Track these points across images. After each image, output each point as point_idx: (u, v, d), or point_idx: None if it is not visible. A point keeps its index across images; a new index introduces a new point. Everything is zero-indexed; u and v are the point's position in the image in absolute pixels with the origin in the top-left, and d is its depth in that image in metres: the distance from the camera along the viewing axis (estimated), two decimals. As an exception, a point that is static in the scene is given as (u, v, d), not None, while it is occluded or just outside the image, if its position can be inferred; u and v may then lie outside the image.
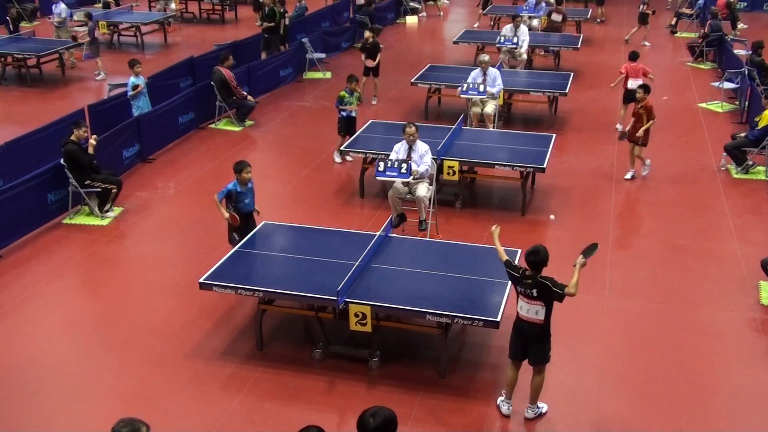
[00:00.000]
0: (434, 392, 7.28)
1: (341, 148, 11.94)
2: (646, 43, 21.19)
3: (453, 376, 7.50)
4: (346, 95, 12.65)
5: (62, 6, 19.17)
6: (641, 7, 21.36)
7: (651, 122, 11.78)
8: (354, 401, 7.16)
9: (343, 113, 12.64)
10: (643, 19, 21.27)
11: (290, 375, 7.54)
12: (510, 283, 6.91)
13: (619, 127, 14.19)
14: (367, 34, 16.03)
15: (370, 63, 15.82)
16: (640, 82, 13.86)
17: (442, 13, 26.50)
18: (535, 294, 6.52)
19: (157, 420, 6.85)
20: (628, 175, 12.21)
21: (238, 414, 7.04)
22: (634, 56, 14.30)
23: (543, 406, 7.03)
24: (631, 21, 25.02)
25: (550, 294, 6.49)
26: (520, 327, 6.73)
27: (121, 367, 7.67)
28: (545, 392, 7.16)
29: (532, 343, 6.73)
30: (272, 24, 17.90)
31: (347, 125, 12.71)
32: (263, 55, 17.66)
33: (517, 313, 6.70)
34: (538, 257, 6.53)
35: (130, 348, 7.99)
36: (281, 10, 18.67)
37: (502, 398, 7.08)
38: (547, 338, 6.73)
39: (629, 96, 13.78)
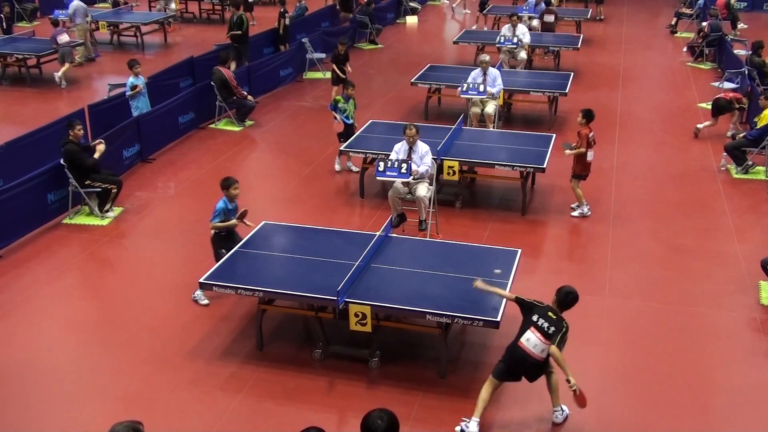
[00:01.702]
0: (434, 392, 7.28)
1: (341, 149, 11.92)
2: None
3: (453, 376, 7.50)
4: (341, 100, 12.41)
5: (75, 4, 19.10)
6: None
7: (579, 150, 10.54)
8: (354, 401, 7.16)
9: (343, 118, 12.37)
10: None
11: (290, 375, 7.55)
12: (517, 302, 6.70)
13: (699, 126, 14.18)
14: (340, 46, 15.92)
15: (349, 68, 15.88)
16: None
17: (468, 11, 26.11)
18: (551, 332, 6.42)
19: (157, 420, 6.87)
20: (576, 213, 10.97)
21: (238, 414, 7.04)
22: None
23: (565, 408, 6.92)
24: (630, 20, 25.05)
25: (560, 336, 6.43)
26: (519, 356, 6.54)
27: (121, 367, 7.67)
28: (544, 389, 7.19)
29: (530, 373, 6.68)
30: (239, 33, 17.02)
31: (345, 131, 12.45)
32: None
33: (519, 343, 6.51)
34: (574, 297, 6.56)
35: (130, 348, 7.99)
36: (283, 11, 18.68)
37: (474, 420, 6.64)
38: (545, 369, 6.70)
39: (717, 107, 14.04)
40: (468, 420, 6.70)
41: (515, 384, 7.36)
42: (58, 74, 17.19)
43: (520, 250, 8.37)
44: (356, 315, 7.20)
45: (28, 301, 8.89)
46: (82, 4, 19.24)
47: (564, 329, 6.47)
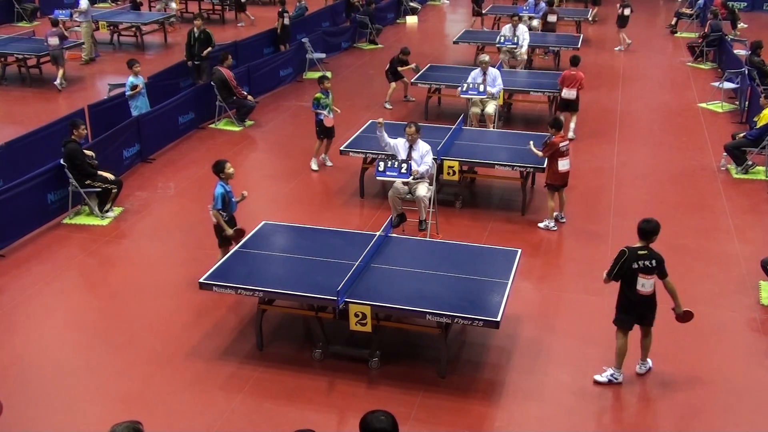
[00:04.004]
0: (434, 392, 7.28)
1: (341, 148, 11.91)
2: (621, 48, 21.06)
3: (453, 376, 7.50)
4: (322, 96, 12.36)
5: (84, 1, 19.05)
6: (622, 10, 21.12)
7: (536, 152, 10.36)
8: (354, 401, 7.17)
9: (320, 116, 12.35)
10: (622, 22, 21.13)
11: (290, 375, 7.55)
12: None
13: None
14: (402, 56, 15.84)
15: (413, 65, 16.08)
16: (574, 92, 13.56)
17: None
18: (654, 264, 7.06)
19: (158, 420, 6.87)
20: (542, 224, 10.64)
21: (238, 414, 7.04)
22: (574, 61, 13.70)
23: (650, 362, 7.62)
24: (630, 20, 24.98)
25: (662, 268, 7.12)
26: (639, 302, 7.20)
27: (122, 367, 7.68)
28: (544, 389, 7.21)
29: (648, 311, 7.30)
30: (210, 48, 15.95)
31: (326, 128, 12.47)
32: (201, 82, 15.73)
33: (636, 291, 7.12)
34: (651, 225, 7.14)
35: (130, 348, 7.99)
36: (282, 10, 18.67)
37: (616, 370, 7.43)
38: (656, 304, 7.34)
39: (564, 105, 13.85)
40: (611, 370, 7.44)
41: (515, 384, 7.39)
42: (57, 81, 16.92)
43: (520, 250, 8.37)
44: (356, 315, 7.20)
45: (28, 300, 8.89)
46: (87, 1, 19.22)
47: (663, 260, 7.15)
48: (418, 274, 7.88)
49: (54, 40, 16.98)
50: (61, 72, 17.04)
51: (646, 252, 7.08)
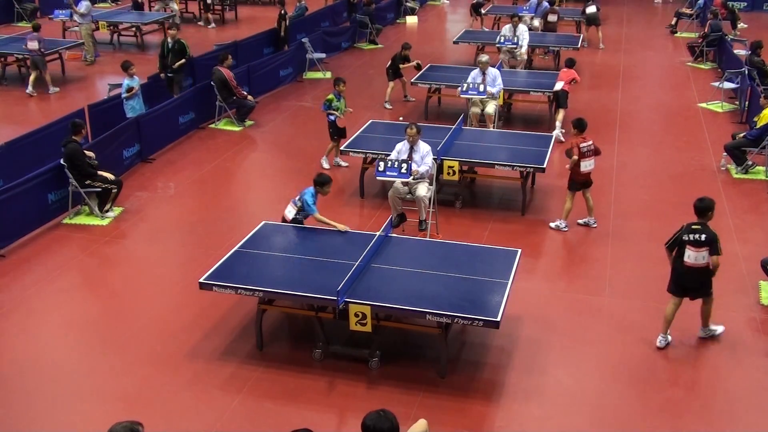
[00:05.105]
0: (434, 392, 7.28)
1: (342, 148, 11.94)
2: (602, 46, 21.15)
3: (453, 376, 7.50)
4: (335, 99, 12.44)
5: (84, 3, 19.02)
6: (584, 7, 21.06)
7: (573, 160, 10.17)
8: (354, 401, 7.17)
9: (331, 117, 12.43)
10: (590, 20, 21.15)
11: (290, 375, 7.55)
12: None
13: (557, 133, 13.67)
14: (405, 51, 15.78)
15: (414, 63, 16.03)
16: (560, 84, 13.85)
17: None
18: (703, 239, 7.52)
19: (157, 420, 6.87)
20: (553, 224, 10.64)
21: (238, 414, 7.04)
22: (569, 63, 14.22)
23: (716, 328, 8.11)
24: (630, 20, 25.04)
25: (714, 244, 7.54)
26: (685, 273, 7.71)
27: (121, 367, 7.68)
28: (545, 389, 7.20)
29: (693, 285, 7.77)
30: (183, 60, 15.00)
31: (338, 129, 12.56)
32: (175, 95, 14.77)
33: (683, 262, 7.67)
34: (704, 203, 7.71)
35: (130, 348, 7.99)
36: (283, 12, 18.65)
37: (662, 334, 7.96)
38: (710, 279, 7.76)
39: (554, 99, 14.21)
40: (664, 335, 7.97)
41: (515, 384, 7.39)
42: (28, 89, 16.40)
43: (520, 250, 8.36)
44: (356, 315, 7.20)
45: (28, 300, 8.89)
46: (89, 3, 19.17)
47: (717, 237, 7.59)
48: (418, 274, 7.88)
49: (33, 44, 16.43)
50: (33, 76, 16.46)
51: (699, 227, 7.59)
